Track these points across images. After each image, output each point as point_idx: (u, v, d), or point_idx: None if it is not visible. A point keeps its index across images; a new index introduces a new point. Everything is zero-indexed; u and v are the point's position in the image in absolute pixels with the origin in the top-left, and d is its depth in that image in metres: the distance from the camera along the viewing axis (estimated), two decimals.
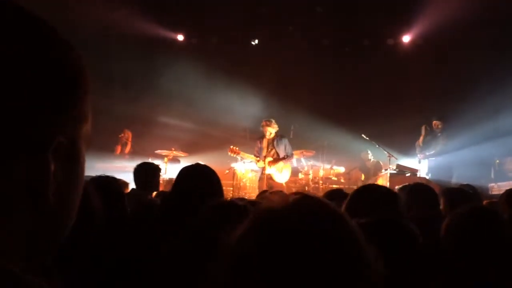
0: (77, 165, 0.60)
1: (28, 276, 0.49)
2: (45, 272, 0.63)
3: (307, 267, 0.71)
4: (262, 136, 8.07)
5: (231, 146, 7.97)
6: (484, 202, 3.96)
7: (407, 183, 4.54)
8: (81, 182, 0.61)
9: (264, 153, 7.87)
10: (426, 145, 8.16)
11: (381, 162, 9.13)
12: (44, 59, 0.54)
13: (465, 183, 4.77)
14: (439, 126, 8.14)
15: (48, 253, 0.59)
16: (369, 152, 9.73)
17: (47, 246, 0.58)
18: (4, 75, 0.50)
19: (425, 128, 8.26)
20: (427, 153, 8.15)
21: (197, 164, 2.63)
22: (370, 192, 2.09)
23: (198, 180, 2.45)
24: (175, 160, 9.24)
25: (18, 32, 0.53)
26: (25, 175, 0.52)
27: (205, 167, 2.57)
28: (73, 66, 0.58)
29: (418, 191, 3.28)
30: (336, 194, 3.17)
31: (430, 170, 8.03)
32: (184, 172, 2.56)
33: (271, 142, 7.94)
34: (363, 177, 9.62)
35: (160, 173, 4.51)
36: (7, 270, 0.48)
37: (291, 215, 0.77)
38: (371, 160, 9.84)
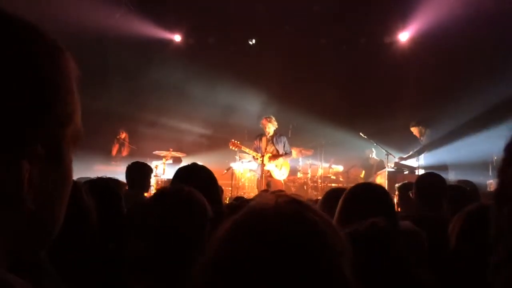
0: (60, 168, 0.59)
1: (9, 275, 0.50)
2: (35, 272, 0.63)
3: (282, 279, 0.71)
4: (261, 134, 8.13)
5: (232, 140, 8.02)
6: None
7: (406, 181, 4.55)
8: (66, 184, 0.61)
9: (263, 151, 7.92)
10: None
11: (384, 162, 9.16)
12: (17, 60, 0.52)
13: (463, 179, 4.72)
14: (423, 132, 8.17)
15: (35, 254, 0.60)
16: (373, 150, 9.78)
17: (33, 247, 0.59)
18: None
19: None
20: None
21: (194, 164, 2.59)
22: (366, 192, 2.02)
23: (195, 180, 2.38)
24: (173, 160, 9.22)
25: None
26: (1, 180, 0.52)
27: (202, 167, 2.53)
28: (51, 67, 0.56)
29: (424, 186, 3.20)
30: (338, 193, 3.11)
31: (425, 168, 8.00)
32: (180, 172, 2.52)
33: (270, 140, 8.01)
34: (363, 174, 9.63)
35: (152, 174, 4.54)
36: None
37: (272, 223, 0.75)
38: (374, 158, 9.87)
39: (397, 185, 4.42)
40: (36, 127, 0.54)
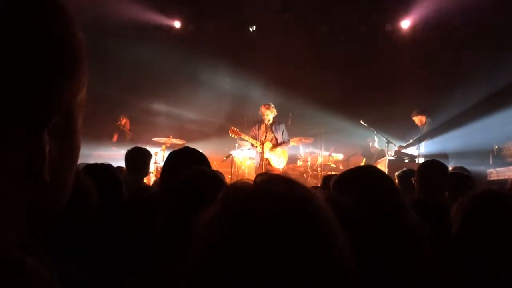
0: (73, 139, 0.58)
1: (21, 253, 0.48)
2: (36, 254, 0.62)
3: (274, 253, 0.69)
4: (259, 122, 8.14)
5: (232, 127, 8.01)
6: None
7: (405, 168, 4.53)
8: (76, 156, 0.59)
9: (262, 138, 7.93)
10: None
11: (385, 151, 9.15)
12: (39, 33, 0.51)
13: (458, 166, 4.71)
14: (425, 121, 8.13)
15: (42, 230, 0.58)
16: (375, 138, 9.79)
17: (41, 223, 0.57)
18: None
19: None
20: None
21: (185, 148, 2.56)
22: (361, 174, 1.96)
23: (185, 163, 2.28)
24: (172, 147, 9.21)
25: (10, 4, 0.50)
26: (21, 154, 0.50)
27: (193, 150, 2.51)
28: (71, 39, 0.54)
29: (426, 173, 3.21)
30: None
31: (425, 156, 7.99)
32: (171, 156, 2.48)
33: (269, 128, 8.02)
34: (363, 162, 9.62)
35: (151, 160, 4.51)
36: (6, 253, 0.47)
37: (257, 198, 0.75)
38: (375, 147, 9.88)
39: (396, 173, 4.38)
40: (58, 98, 0.53)
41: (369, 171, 1.87)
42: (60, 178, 0.57)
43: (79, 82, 0.56)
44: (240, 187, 0.79)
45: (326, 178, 3.22)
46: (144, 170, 4.25)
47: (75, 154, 0.59)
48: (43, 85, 0.51)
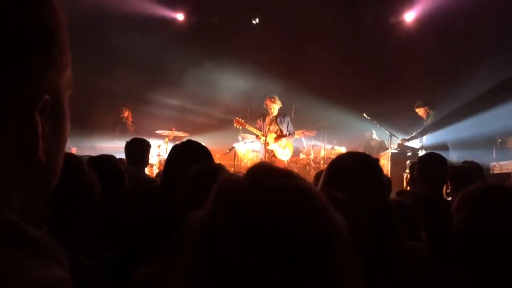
0: (62, 118, 0.59)
1: (29, 226, 0.50)
2: None
3: (271, 250, 0.68)
4: (264, 114, 8.16)
5: (237, 118, 8.03)
6: None
7: (415, 161, 4.52)
8: (66, 135, 0.60)
9: (266, 130, 7.96)
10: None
11: (385, 142, 9.11)
12: (19, 17, 0.50)
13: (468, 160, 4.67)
14: (429, 113, 8.10)
15: (36, 209, 0.60)
16: (373, 131, 9.76)
17: (36, 200, 0.59)
18: None
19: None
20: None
21: (188, 141, 2.56)
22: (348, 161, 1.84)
23: (188, 157, 2.31)
24: (175, 140, 9.21)
25: None
26: (17, 136, 0.52)
27: (195, 144, 2.49)
28: (49, 20, 0.54)
29: (425, 166, 3.23)
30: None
31: (425, 148, 7.95)
32: (174, 150, 2.48)
33: (274, 120, 8.07)
34: None
35: (150, 150, 4.48)
36: (11, 221, 0.49)
37: (251, 194, 0.72)
38: (375, 139, 9.86)
39: (406, 172, 4.33)
40: (44, 80, 0.53)
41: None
42: (54, 158, 0.58)
43: (62, 60, 0.56)
44: (234, 182, 0.76)
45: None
46: (143, 161, 4.21)
47: (64, 134, 0.60)
48: (27, 66, 0.51)
